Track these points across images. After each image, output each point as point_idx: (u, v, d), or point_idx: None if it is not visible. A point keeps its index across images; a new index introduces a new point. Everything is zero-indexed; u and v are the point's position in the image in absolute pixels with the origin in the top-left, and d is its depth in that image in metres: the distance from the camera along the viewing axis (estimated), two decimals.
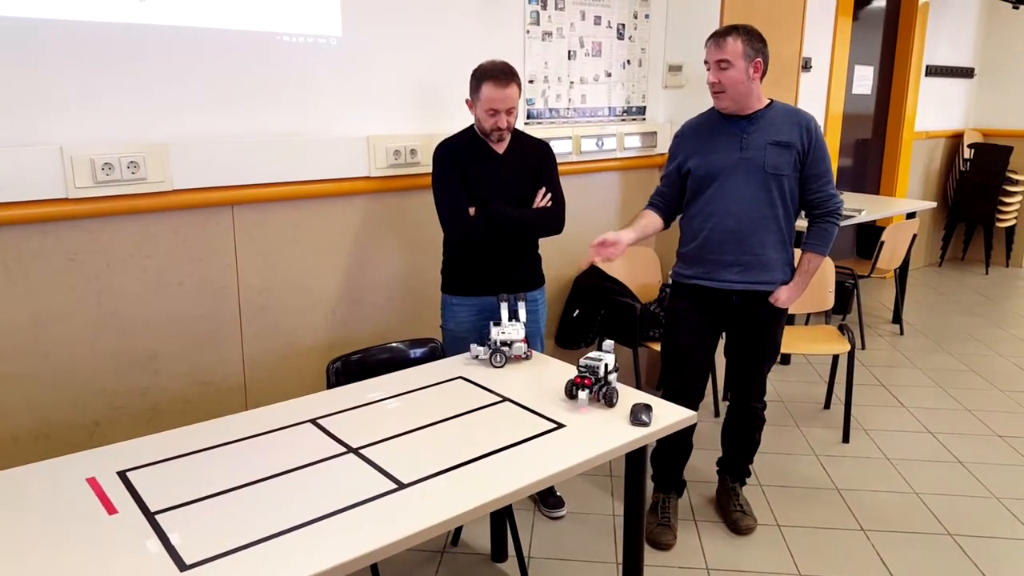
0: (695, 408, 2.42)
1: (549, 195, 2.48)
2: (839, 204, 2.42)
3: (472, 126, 2.46)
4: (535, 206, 2.47)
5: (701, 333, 2.52)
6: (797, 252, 2.46)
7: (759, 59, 2.29)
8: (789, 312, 3.86)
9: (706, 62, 2.32)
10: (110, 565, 1.25)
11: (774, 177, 2.34)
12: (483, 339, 2.21)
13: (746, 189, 2.34)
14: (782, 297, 2.42)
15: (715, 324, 2.53)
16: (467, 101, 2.42)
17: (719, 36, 2.28)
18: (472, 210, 2.39)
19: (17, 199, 2.01)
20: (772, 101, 2.39)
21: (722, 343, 2.64)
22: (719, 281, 2.42)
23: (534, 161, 2.49)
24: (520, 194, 2.46)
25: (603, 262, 2.38)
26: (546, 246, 2.63)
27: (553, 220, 2.50)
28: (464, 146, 2.44)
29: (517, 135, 2.49)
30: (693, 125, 2.49)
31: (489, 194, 2.41)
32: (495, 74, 2.32)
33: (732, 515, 2.62)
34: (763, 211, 2.36)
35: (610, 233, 2.31)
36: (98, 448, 1.65)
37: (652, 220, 2.48)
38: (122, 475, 1.53)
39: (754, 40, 2.28)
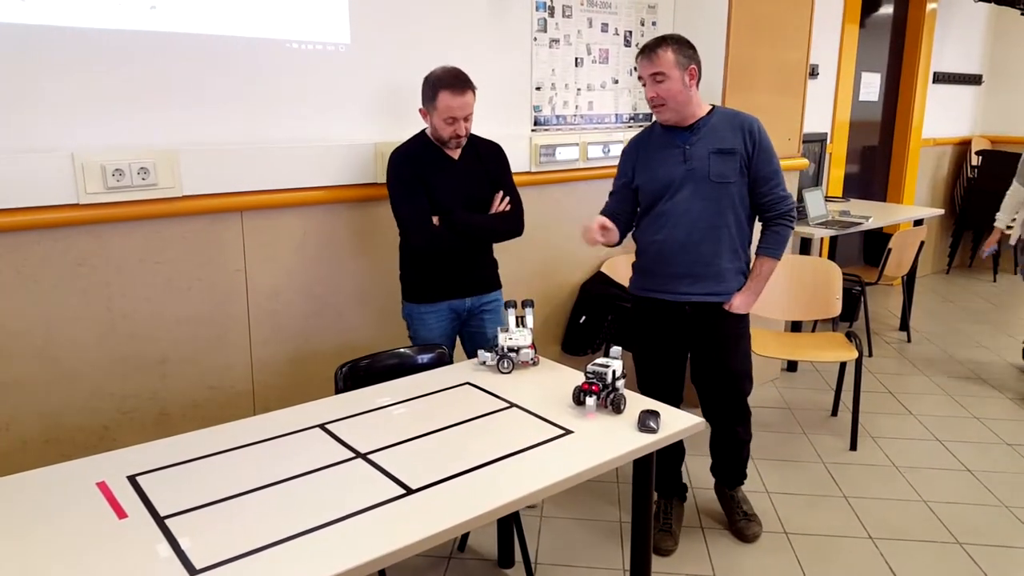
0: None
1: (507, 199, 2.48)
2: (791, 206, 2.40)
3: (424, 131, 2.44)
4: (493, 211, 2.47)
5: (667, 343, 2.51)
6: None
7: (693, 66, 2.29)
8: (796, 320, 3.87)
9: (640, 78, 2.33)
10: (120, 570, 1.25)
11: (721, 186, 2.32)
12: (453, 342, 2.18)
13: (694, 200, 2.33)
14: (736, 303, 2.40)
15: (676, 337, 2.49)
16: (420, 110, 2.39)
17: (648, 50, 2.28)
18: (436, 219, 2.38)
19: (28, 204, 2.03)
20: (714, 107, 2.39)
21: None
22: (672, 293, 2.41)
23: (490, 164, 2.50)
24: (478, 198, 2.46)
25: (599, 246, 2.33)
26: (553, 251, 2.64)
27: (513, 223, 2.50)
28: (419, 153, 2.41)
29: (470, 138, 2.46)
30: (637, 141, 2.48)
31: (448, 201, 2.39)
32: (451, 82, 2.28)
33: (737, 524, 2.61)
34: (713, 221, 2.35)
35: (597, 220, 2.28)
36: (108, 452, 1.66)
37: (610, 224, 2.35)
38: (132, 479, 1.54)
39: (684, 48, 2.28)
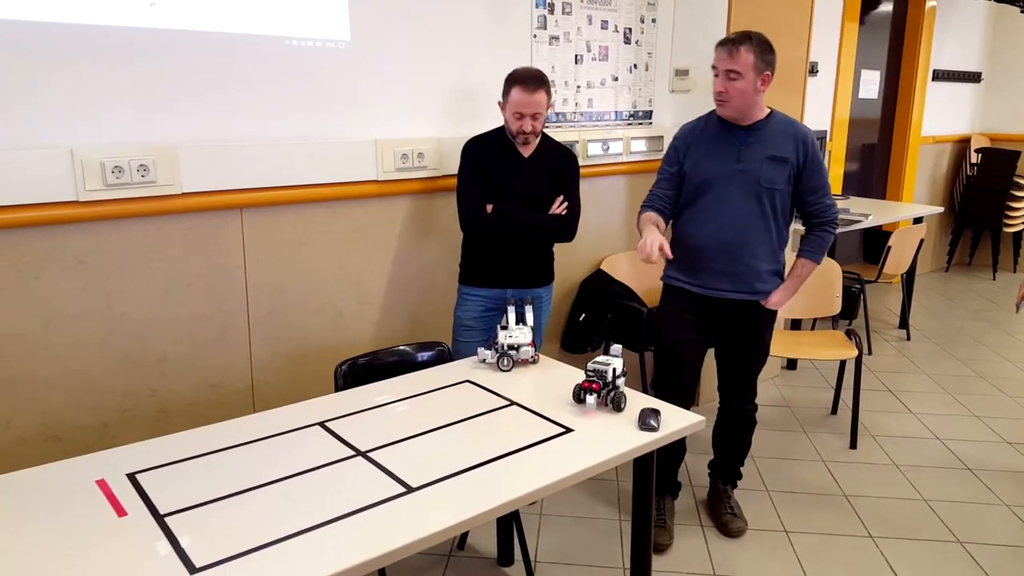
0: (687, 408, 2.43)
1: (565, 203, 2.51)
2: (836, 214, 2.43)
3: (503, 125, 2.51)
4: (551, 212, 2.51)
5: (694, 333, 2.51)
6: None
7: (768, 72, 2.26)
8: (796, 318, 3.86)
9: (714, 67, 2.29)
10: (120, 567, 1.25)
11: (768, 191, 2.33)
12: (487, 332, 2.20)
13: (741, 201, 2.33)
14: (773, 300, 2.43)
15: (706, 326, 2.51)
16: (499, 103, 2.48)
17: (732, 44, 2.22)
18: (489, 207, 2.44)
19: (27, 201, 2.02)
20: (772, 111, 2.37)
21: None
22: (710, 289, 2.42)
23: (557, 167, 2.54)
24: (538, 197, 2.51)
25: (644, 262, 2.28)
26: (553, 248, 2.64)
27: (564, 228, 2.54)
28: (491, 144, 2.51)
29: (546, 140, 2.55)
30: (692, 129, 2.46)
31: (507, 194, 2.47)
32: (524, 79, 2.40)
33: (722, 518, 2.62)
34: (756, 223, 2.35)
35: (659, 239, 2.20)
36: (107, 450, 1.66)
37: (662, 223, 2.41)
38: (131, 477, 1.53)
39: (765, 51, 2.24)
